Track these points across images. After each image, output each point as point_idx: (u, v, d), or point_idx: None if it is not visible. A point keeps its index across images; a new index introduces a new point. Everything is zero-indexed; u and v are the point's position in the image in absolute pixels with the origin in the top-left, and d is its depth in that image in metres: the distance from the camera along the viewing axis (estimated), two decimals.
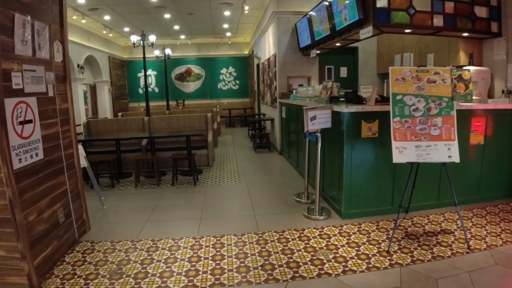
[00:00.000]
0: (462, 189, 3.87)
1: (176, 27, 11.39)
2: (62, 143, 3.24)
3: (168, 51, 10.79)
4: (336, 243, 3.12)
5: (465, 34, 4.33)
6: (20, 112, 2.62)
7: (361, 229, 3.41)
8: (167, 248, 3.17)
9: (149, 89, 14.43)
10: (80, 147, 4.32)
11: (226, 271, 2.73)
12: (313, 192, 4.30)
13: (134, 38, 7.91)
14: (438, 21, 4.02)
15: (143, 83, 14.37)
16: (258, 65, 11.16)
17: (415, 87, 2.99)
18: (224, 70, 14.54)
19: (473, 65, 4.40)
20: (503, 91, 4.19)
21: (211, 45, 14.19)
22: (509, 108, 3.89)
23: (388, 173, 3.64)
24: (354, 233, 3.32)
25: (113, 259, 3.00)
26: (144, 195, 4.96)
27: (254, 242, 3.21)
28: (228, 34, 12.93)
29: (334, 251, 2.97)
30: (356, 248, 3.00)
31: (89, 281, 2.67)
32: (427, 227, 3.38)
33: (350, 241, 3.15)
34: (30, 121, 2.73)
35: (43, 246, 2.82)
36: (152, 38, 7.93)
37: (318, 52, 6.42)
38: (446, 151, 2.92)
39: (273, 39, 7.60)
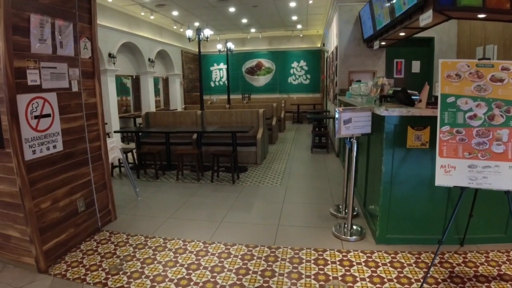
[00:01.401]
0: (483, 225, 2.98)
1: (244, 21, 11.33)
2: (87, 136, 3.32)
3: (230, 45, 10.76)
4: (356, 274, 2.60)
5: None
6: (36, 107, 2.71)
7: (395, 260, 2.80)
8: (173, 250, 3.07)
9: (220, 83, 14.81)
10: (117, 139, 4.54)
11: (218, 287, 2.46)
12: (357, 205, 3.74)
13: (189, 33, 7.99)
14: None
15: (215, 76, 14.94)
16: (326, 59, 10.50)
17: (474, 87, 2.28)
18: (295, 64, 14.09)
19: None
20: None
21: (282, 38, 13.85)
22: None
23: (441, 194, 2.93)
24: (384, 264, 2.74)
25: (120, 253, 3.02)
26: (180, 190, 4.98)
27: (263, 258, 2.87)
28: (299, 26, 12.42)
29: (349, 285, 2.46)
30: (378, 286, 2.45)
31: (88, 272, 2.71)
32: (481, 268, 2.62)
33: (375, 274, 2.59)
34: (48, 115, 2.82)
35: (56, 233, 2.95)
36: (207, 32, 7.92)
37: (383, 43, 5.64)
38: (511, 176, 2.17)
39: (336, 30, 6.97)
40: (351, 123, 3.03)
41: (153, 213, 4.03)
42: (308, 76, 14.01)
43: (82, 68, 3.21)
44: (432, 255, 2.82)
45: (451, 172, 2.27)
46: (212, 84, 14.96)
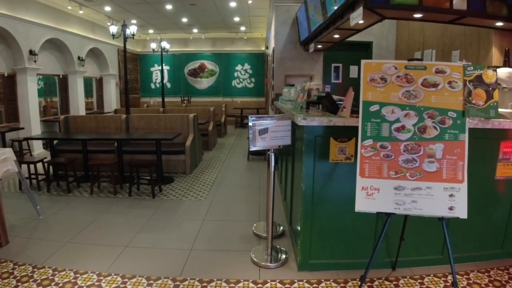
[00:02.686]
0: (477, 241, 2.74)
1: (185, 20, 10.69)
2: None
3: (165, 44, 10.03)
4: None
5: (499, 24, 3.11)
6: None
7: None
8: (61, 284, 2.52)
9: (161, 85, 13.90)
10: (9, 150, 3.77)
11: None
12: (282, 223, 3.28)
13: (113, 29, 7.16)
14: (460, 2, 2.84)
15: (156, 77, 13.99)
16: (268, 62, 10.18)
17: (402, 93, 1.89)
18: (239, 67, 13.63)
19: (509, 66, 3.17)
20: None
21: (226, 40, 13.35)
22: None
23: (371, 213, 2.54)
24: None
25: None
26: (92, 206, 4.32)
27: None
28: (243, 28, 12.02)
29: None
30: None
31: None
32: None
33: None
34: None
35: None
36: (133, 28, 7.13)
37: (319, 46, 5.33)
38: (447, 199, 1.81)
39: (273, 32, 6.58)
40: (267, 134, 2.54)
41: (52, 235, 3.41)
42: (253, 79, 13.63)
43: None
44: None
45: (374, 195, 1.85)
46: (153, 86, 14.01)
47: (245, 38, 13.17)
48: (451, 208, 1.80)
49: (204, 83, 13.84)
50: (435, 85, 1.90)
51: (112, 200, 4.52)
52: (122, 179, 5.21)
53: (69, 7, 8.35)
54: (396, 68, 1.91)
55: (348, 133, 2.37)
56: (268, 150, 2.64)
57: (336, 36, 4.48)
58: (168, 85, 13.94)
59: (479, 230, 2.74)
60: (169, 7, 8.98)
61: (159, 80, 13.94)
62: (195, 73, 13.83)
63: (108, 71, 11.79)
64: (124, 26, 6.70)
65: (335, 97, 3.01)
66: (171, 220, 3.85)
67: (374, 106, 1.88)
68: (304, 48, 5.92)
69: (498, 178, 2.68)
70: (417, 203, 1.82)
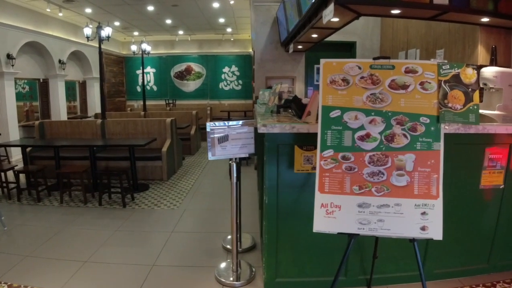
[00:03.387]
0: (461, 255, 2.52)
1: (169, 21, 10.45)
2: None
3: (145, 46, 9.76)
4: None
5: (485, 20, 2.90)
6: None
7: None
8: None
9: (147, 88, 13.63)
10: None
11: None
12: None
13: (88, 31, 6.87)
14: None
15: (142, 81, 13.68)
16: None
17: (367, 97, 1.65)
18: (226, 69, 13.37)
19: (496, 64, 2.96)
20: None
21: (213, 42, 13.11)
22: None
23: None
24: None
25: None
26: (60, 216, 4.13)
27: None
28: (229, 30, 11.80)
29: None
30: None
31: None
32: None
33: None
34: None
35: None
36: (108, 30, 6.84)
37: (299, 47, 5.10)
38: (418, 218, 1.57)
39: (254, 33, 6.35)
40: (228, 142, 2.29)
41: (13, 249, 3.24)
42: (240, 81, 13.39)
43: None
44: None
45: (334, 213, 1.60)
46: (139, 89, 13.68)
47: (232, 39, 12.94)
48: (423, 228, 1.57)
49: (191, 85, 13.56)
50: (404, 86, 1.66)
51: (82, 210, 4.30)
52: (95, 187, 4.94)
53: (48, 10, 8.08)
54: (360, 68, 1.67)
55: (314, 141, 2.10)
56: (231, 159, 2.39)
57: (315, 35, 4.24)
58: (154, 88, 13.66)
59: (463, 244, 2.53)
60: (150, 8, 8.74)
61: (145, 83, 13.64)
62: (182, 75, 13.56)
63: (91, 74, 11.53)
64: (99, 28, 6.42)
65: (307, 100, 2.77)
66: (138, 232, 3.62)
67: (335, 111, 1.64)
68: (285, 49, 5.69)
69: (483, 187, 2.47)
70: (384, 223, 1.58)
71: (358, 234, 1.59)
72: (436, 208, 1.58)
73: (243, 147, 2.34)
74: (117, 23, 10.61)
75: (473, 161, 2.41)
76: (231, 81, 13.45)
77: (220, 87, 13.47)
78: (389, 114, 1.65)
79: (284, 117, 2.60)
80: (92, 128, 6.13)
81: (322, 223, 1.60)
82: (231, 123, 2.34)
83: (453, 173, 2.35)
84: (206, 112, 10.03)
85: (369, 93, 1.65)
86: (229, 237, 3.31)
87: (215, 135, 2.26)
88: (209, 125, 2.26)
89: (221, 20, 10.31)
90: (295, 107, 2.42)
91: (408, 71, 1.68)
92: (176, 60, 13.40)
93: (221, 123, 2.28)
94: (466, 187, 2.42)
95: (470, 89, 1.79)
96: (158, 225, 3.79)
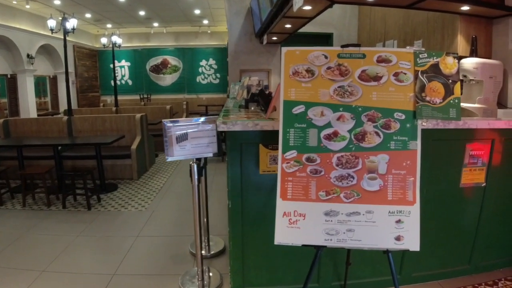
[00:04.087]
0: (441, 257, 2.40)
1: (142, 13, 10.05)
2: None
3: (116, 38, 9.34)
4: None
5: (465, 8, 2.75)
6: None
7: None
8: None
9: (122, 82, 13.13)
10: None
11: None
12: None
13: (52, 23, 6.44)
14: None
15: (117, 74, 13.14)
16: None
17: (334, 89, 1.45)
18: (203, 62, 13.02)
19: (477, 55, 2.83)
20: None
21: (189, 34, 12.72)
22: None
23: None
24: None
25: None
26: (20, 221, 3.88)
27: None
28: (206, 22, 11.46)
29: None
30: None
31: None
32: None
33: None
34: None
35: None
36: (73, 21, 6.42)
37: (274, 38, 4.88)
38: (393, 227, 1.38)
39: (227, 24, 6.07)
40: (187, 141, 2.05)
41: None
42: (218, 75, 13.08)
43: None
44: None
45: (298, 222, 1.40)
46: (113, 83, 13.17)
47: (209, 32, 12.59)
48: (398, 238, 1.39)
49: (167, 79, 13.15)
50: (377, 78, 1.47)
51: (45, 214, 4.03)
52: (60, 188, 4.61)
53: (14, 2, 7.58)
54: (326, 57, 1.46)
55: None
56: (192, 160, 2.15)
57: (288, 26, 4.03)
58: (130, 82, 13.18)
59: (443, 245, 2.40)
60: None
61: (119, 77, 13.14)
62: (158, 69, 13.12)
63: (62, 69, 10.92)
64: (64, 20, 6.01)
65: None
66: (101, 238, 3.38)
67: (298, 107, 1.43)
68: (259, 41, 5.46)
69: (463, 186, 2.33)
70: (354, 233, 1.39)
71: (325, 246, 1.40)
72: (412, 215, 1.40)
73: (205, 146, 2.11)
74: (88, 15, 10.14)
75: (453, 158, 2.27)
76: (208, 75, 13.12)
77: (198, 80, 13.12)
78: (360, 109, 1.45)
79: (252, 113, 2.39)
80: (59, 125, 5.79)
81: (284, 234, 1.40)
82: (191, 120, 2.10)
83: (431, 172, 2.20)
84: (182, 107, 9.69)
85: (336, 86, 1.44)
86: (190, 245, 3.11)
87: (173, 133, 2.01)
88: (166, 123, 2.01)
89: (197, 11, 9.97)
90: (262, 101, 2.20)
91: (380, 61, 1.49)
92: (151, 53, 12.95)
93: (180, 120, 2.04)
94: (445, 186, 2.29)
95: (450, 81, 1.62)
96: (123, 229, 3.56)
